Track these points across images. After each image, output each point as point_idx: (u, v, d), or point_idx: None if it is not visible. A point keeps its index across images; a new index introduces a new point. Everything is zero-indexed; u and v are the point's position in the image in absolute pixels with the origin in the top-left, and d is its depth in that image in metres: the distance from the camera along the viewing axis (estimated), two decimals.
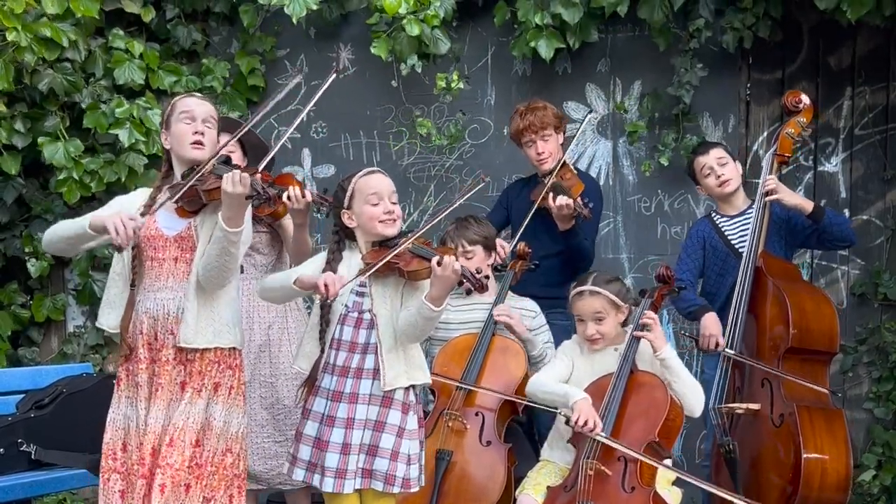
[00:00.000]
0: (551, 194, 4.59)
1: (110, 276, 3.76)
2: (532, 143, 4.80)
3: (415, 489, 3.70)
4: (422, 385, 3.76)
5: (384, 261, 3.58)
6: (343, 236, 3.77)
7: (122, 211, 3.55)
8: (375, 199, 3.66)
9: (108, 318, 3.73)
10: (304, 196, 3.97)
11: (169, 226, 3.69)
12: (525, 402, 4.26)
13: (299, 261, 4.09)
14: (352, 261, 3.72)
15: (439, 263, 3.46)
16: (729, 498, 3.85)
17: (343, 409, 3.62)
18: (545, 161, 4.77)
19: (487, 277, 3.54)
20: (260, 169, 3.64)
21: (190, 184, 3.59)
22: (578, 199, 4.53)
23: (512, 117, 4.92)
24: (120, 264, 3.73)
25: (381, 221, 3.66)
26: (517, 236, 4.74)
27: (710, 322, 4.49)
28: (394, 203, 3.69)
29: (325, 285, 3.51)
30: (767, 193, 4.46)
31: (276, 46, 5.98)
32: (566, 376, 4.11)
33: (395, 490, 3.62)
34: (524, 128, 4.79)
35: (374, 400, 3.64)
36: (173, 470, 3.54)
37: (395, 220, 3.68)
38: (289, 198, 3.97)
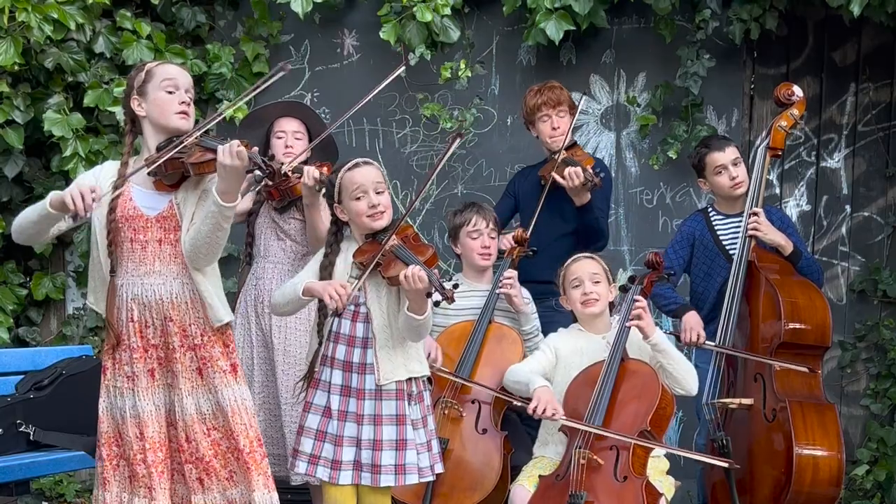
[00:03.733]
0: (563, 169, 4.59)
1: (91, 258, 3.65)
2: (547, 119, 4.74)
3: (429, 478, 3.75)
4: (421, 377, 3.76)
5: (372, 266, 3.57)
6: (339, 228, 3.77)
7: (79, 183, 3.38)
8: (359, 192, 3.64)
9: (98, 300, 3.65)
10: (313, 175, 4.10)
11: (149, 205, 3.56)
12: (517, 402, 4.22)
13: (316, 245, 4.10)
14: (349, 253, 3.73)
15: (406, 277, 3.43)
16: (717, 463, 3.99)
17: (353, 404, 3.66)
18: (558, 138, 4.74)
19: (456, 287, 3.49)
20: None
21: (169, 155, 3.45)
22: (589, 169, 4.51)
23: (525, 97, 4.85)
24: (97, 250, 3.60)
25: (368, 216, 3.65)
26: (535, 217, 4.63)
27: (690, 318, 4.50)
28: (379, 193, 3.66)
29: (331, 297, 3.49)
30: (754, 229, 4.44)
31: (281, 32, 5.97)
32: (545, 368, 4.14)
33: (413, 479, 3.68)
34: (541, 103, 4.74)
35: (378, 395, 3.66)
36: (245, 454, 3.57)
37: (382, 213, 3.66)
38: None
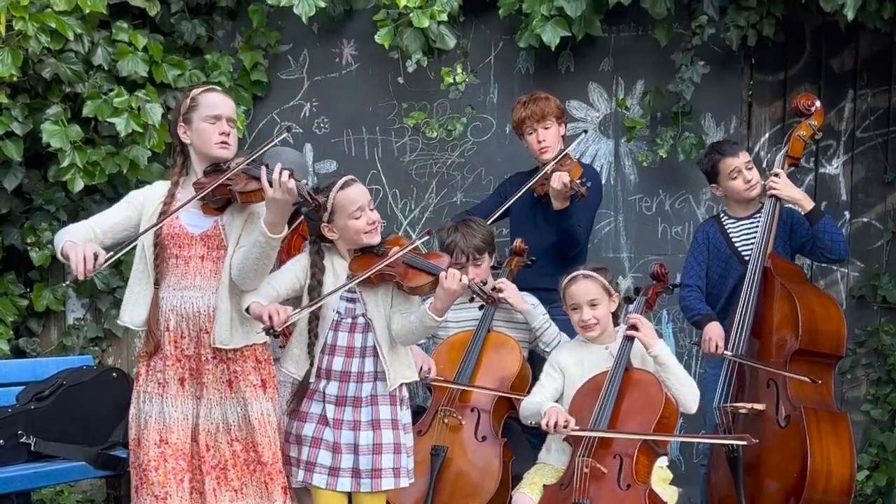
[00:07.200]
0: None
1: (132, 273, 3.76)
2: (533, 132, 4.81)
3: (411, 480, 3.79)
4: (411, 382, 3.82)
5: (376, 270, 3.61)
6: (321, 246, 3.79)
7: (88, 243, 3.50)
8: (359, 212, 3.69)
9: (132, 316, 3.74)
10: None
11: (194, 224, 3.70)
12: (517, 397, 4.32)
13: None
14: (335, 267, 3.76)
15: (446, 277, 3.52)
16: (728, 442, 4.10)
17: (349, 412, 3.70)
18: (546, 150, 4.78)
19: (495, 290, 3.58)
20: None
21: (219, 184, 3.58)
22: (576, 179, 4.54)
23: (514, 108, 4.94)
24: (142, 262, 3.72)
25: (366, 233, 3.71)
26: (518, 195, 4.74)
27: (712, 328, 4.53)
28: (373, 210, 3.74)
29: (270, 316, 3.50)
30: (771, 187, 4.50)
31: (280, 42, 5.97)
32: (555, 392, 4.15)
33: (405, 483, 3.73)
34: (526, 116, 4.81)
35: (374, 401, 3.71)
36: (268, 466, 3.65)
37: (377, 229, 3.74)
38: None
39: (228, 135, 3.72)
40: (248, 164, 3.63)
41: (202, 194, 3.62)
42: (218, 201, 3.67)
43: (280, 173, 3.43)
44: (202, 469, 3.63)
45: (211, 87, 3.88)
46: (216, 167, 3.68)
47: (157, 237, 3.67)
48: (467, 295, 3.63)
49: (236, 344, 3.66)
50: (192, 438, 3.66)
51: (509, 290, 4.54)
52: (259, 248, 3.53)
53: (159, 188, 3.80)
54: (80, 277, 3.43)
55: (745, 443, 3.94)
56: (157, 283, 3.70)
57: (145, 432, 3.65)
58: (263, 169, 3.51)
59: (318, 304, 3.65)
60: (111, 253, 3.56)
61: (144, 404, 3.68)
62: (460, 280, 3.52)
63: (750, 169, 4.63)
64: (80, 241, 3.52)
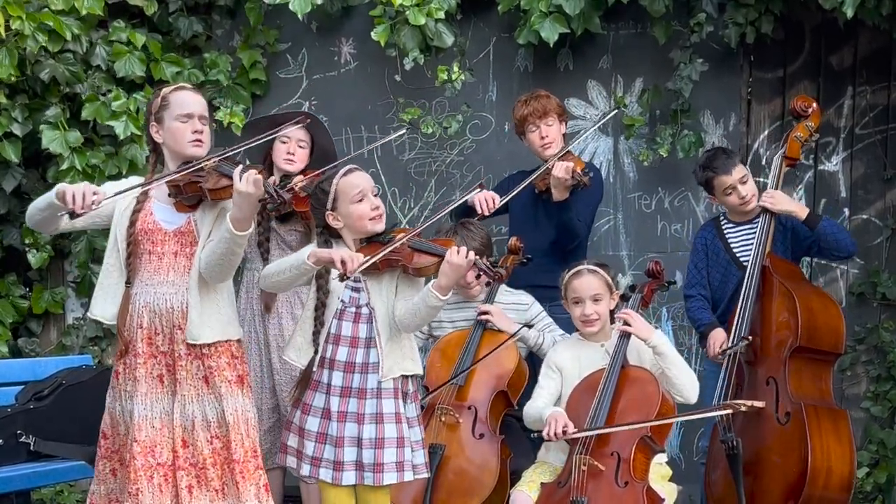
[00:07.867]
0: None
1: (104, 267, 3.73)
2: (535, 129, 4.81)
3: (424, 475, 3.79)
4: (414, 375, 3.81)
5: (383, 254, 3.60)
6: (329, 236, 3.79)
7: (89, 185, 3.47)
8: (360, 196, 3.69)
9: (102, 309, 3.70)
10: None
11: (167, 220, 3.68)
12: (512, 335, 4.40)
13: None
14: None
15: (456, 252, 3.54)
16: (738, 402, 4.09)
17: (353, 404, 3.70)
18: (549, 146, 4.79)
19: (497, 264, 3.61)
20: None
21: (187, 173, 3.57)
22: (578, 170, 4.56)
23: (514, 107, 4.95)
24: (114, 256, 3.70)
25: (370, 219, 3.70)
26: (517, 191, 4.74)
27: (716, 335, 4.54)
28: (376, 196, 3.74)
29: (343, 261, 3.52)
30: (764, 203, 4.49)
31: (278, 40, 5.97)
32: (558, 389, 4.16)
33: (409, 476, 3.71)
34: (528, 114, 4.82)
35: (379, 394, 3.70)
36: (239, 464, 3.62)
37: (381, 216, 3.73)
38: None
39: (202, 132, 3.70)
40: (220, 161, 3.61)
41: (171, 178, 3.58)
42: (190, 199, 3.65)
43: (247, 168, 3.44)
44: (175, 464, 3.61)
45: (181, 85, 3.87)
46: (188, 163, 3.65)
47: (131, 234, 3.65)
48: (473, 272, 3.64)
49: (208, 339, 3.63)
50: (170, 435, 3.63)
51: (497, 317, 4.53)
52: (224, 244, 3.52)
53: (133, 182, 3.76)
54: (78, 211, 3.38)
55: (761, 405, 4.09)
56: (128, 282, 3.66)
57: (131, 428, 3.61)
58: (238, 167, 3.48)
59: (379, 257, 3.62)
60: (112, 194, 3.54)
61: (126, 402, 3.65)
62: (466, 257, 3.54)
63: (745, 183, 4.58)
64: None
